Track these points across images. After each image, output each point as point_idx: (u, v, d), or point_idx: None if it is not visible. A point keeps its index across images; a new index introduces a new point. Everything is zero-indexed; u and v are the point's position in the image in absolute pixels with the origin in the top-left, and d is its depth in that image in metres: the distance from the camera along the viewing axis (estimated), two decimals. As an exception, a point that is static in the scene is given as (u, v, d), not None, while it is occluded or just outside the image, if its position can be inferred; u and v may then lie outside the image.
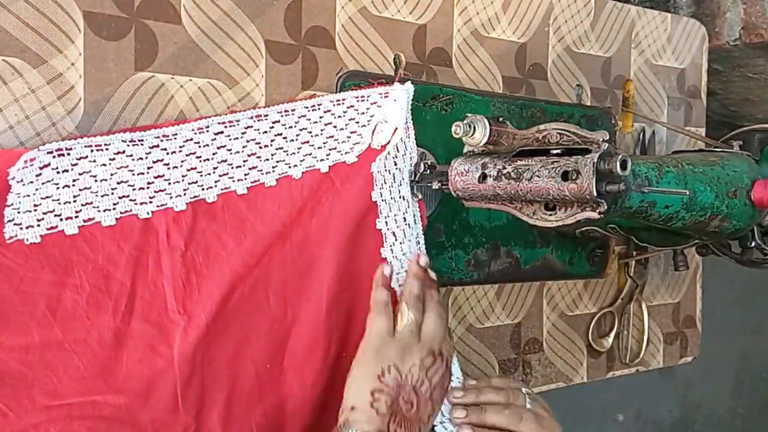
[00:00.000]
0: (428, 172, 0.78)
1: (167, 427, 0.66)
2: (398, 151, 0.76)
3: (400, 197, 0.77)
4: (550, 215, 0.67)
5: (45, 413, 0.62)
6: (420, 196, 0.79)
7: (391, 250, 0.76)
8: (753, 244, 0.89)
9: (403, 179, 0.77)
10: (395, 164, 0.76)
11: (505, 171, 0.68)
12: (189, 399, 0.66)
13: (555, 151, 0.67)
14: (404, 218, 0.77)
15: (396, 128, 0.74)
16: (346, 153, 0.74)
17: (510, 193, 0.68)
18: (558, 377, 0.97)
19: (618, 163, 0.61)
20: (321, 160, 0.73)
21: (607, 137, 0.63)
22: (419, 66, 0.82)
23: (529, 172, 0.66)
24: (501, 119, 0.69)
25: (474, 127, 0.68)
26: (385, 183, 0.76)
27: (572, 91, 0.97)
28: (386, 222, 0.76)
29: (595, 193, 0.62)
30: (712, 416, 2.37)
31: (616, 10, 1.02)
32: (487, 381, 0.81)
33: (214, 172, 0.69)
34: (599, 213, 0.63)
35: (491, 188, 0.69)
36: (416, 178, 0.79)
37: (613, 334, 1.02)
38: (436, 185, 0.77)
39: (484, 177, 0.70)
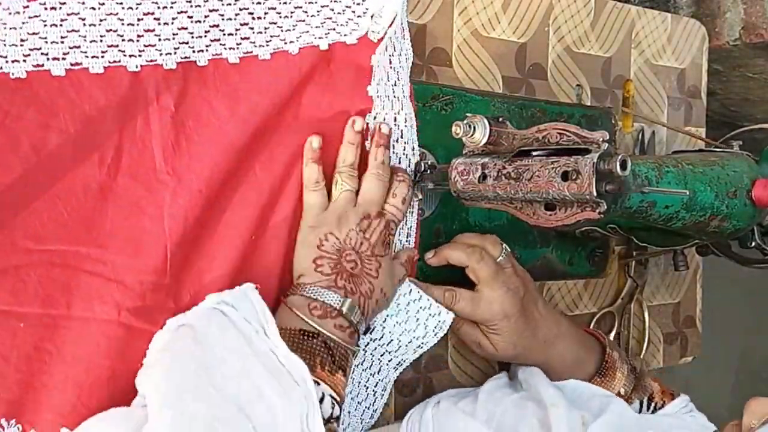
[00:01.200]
0: (428, 172, 0.78)
1: (154, 291, 0.65)
2: (394, 50, 0.76)
3: (394, 97, 0.77)
4: (550, 215, 0.67)
5: (26, 256, 0.61)
6: (420, 196, 0.79)
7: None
8: (753, 244, 0.89)
9: (397, 80, 0.77)
10: (390, 62, 0.76)
11: (505, 171, 0.68)
12: (176, 264, 0.66)
13: (555, 152, 0.67)
14: (394, 118, 0.77)
15: (392, 20, 0.73)
16: (345, 35, 0.74)
17: (510, 193, 0.68)
18: (558, 377, 0.97)
19: (618, 163, 0.61)
20: (319, 38, 0.73)
21: (607, 137, 0.63)
22: (419, 66, 0.82)
23: (529, 172, 0.66)
24: (501, 119, 0.69)
25: (474, 127, 0.68)
26: (382, 79, 0.76)
27: (572, 91, 0.97)
28: (375, 118, 0.76)
29: (595, 193, 0.62)
30: (712, 416, 2.36)
31: (616, 10, 1.02)
32: (463, 236, 0.82)
33: (205, 36, 0.68)
34: (599, 213, 0.63)
35: (491, 188, 0.69)
36: (416, 178, 0.79)
37: (613, 334, 1.02)
38: (436, 185, 0.77)
39: (484, 177, 0.70)
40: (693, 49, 1.12)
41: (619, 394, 0.82)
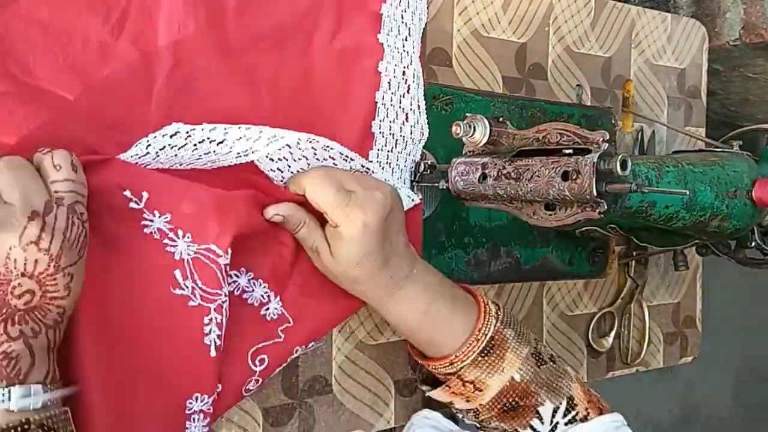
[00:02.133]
0: (428, 172, 0.78)
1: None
2: (408, 6, 0.78)
3: (404, 50, 0.77)
4: (550, 215, 0.67)
5: (13, 84, 0.59)
6: (420, 196, 0.79)
7: (383, 96, 0.77)
8: (753, 244, 0.90)
9: (408, 35, 0.78)
10: (402, 17, 0.77)
11: (505, 171, 0.68)
12: None
13: (555, 151, 0.67)
14: (403, 72, 0.77)
15: None
16: None
17: (510, 193, 0.68)
18: (558, 377, 0.97)
19: (618, 163, 0.61)
20: None
21: (607, 137, 0.63)
22: (419, 66, 0.82)
23: (529, 172, 0.66)
24: (501, 119, 0.69)
25: (474, 127, 0.68)
26: (392, 30, 0.76)
27: (572, 91, 0.97)
28: (386, 68, 0.76)
29: (595, 193, 0.62)
30: (712, 416, 2.37)
31: (616, 10, 1.02)
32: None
33: None
34: (599, 213, 0.63)
35: (491, 188, 0.69)
36: (416, 178, 0.79)
37: (613, 334, 1.02)
38: (436, 185, 0.77)
39: (484, 177, 0.70)
40: (693, 49, 1.12)
41: (512, 380, 0.70)
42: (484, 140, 0.67)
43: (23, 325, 0.51)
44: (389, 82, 0.77)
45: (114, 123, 0.63)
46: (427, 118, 0.81)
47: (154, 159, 0.63)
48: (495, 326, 0.71)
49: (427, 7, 0.83)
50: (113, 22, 0.63)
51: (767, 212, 0.86)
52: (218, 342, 0.64)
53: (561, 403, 0.72)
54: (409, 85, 0.78)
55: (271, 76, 0.71)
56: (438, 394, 0.74)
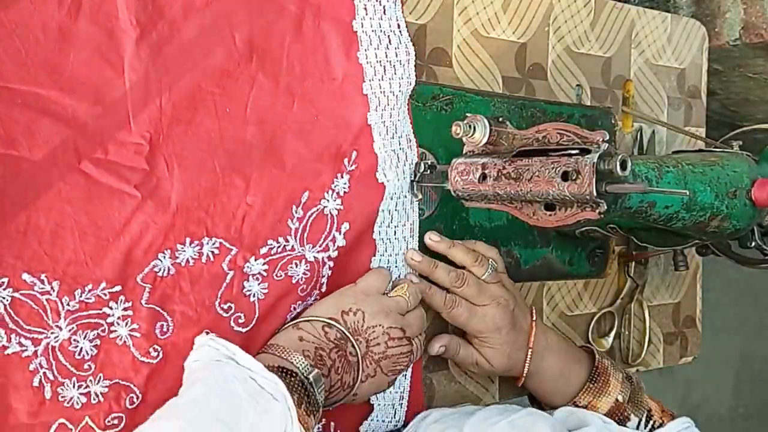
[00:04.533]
0: (428, 172, 0.78)
1: (117, 145, 0.64)
2: None
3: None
4: (550, 215, 0.67)
5: None
6: (420, 196, 0.79)
7: (362, 24, 0.76)
8: (753, 244, 0.89)
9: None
10: None
11: (505, 171, 0.68)
12: (141, 121, 0.65)
13: (555, 151, 0.67)
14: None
15: None
16: None
17: (510, 193, 0.68)
18: (558, 377, 0.97)
19: (618, 163, 0.61)
20: None
21: (607, 137, 0.63)
22: (419, 66, 0.82)
23: (529, 172, 0.66)
24: (501, 119, 0.69)
25: (474, 127, 0.68)
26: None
27: (572, 91, 0.97)
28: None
29: (595, 193, 0.62)
30: (712, 416, 2.37)
31: (616, 10, 1.02)
32: (469, 242, 0.83)
33: None
34: (599, 213, 0.63)
35: (491, 188, 0.69)
36: (416, 178, 0.79)
37: (613, 334, 1.02)
38: (436, 185, 0.77)
39: (484, 177, 0.70)
40: (693, 49, 1.12)
41: (617, 402, 0.81)
42: (484, 140, 0.67)
43: (337, 360, 0.68)
44: (365, 8, 0.76)
45: (91, 106, 0.62)
46: (427, 117, 0.81)
47: None
48: (598, 359, 0.84)
49: (427, 8, 0.83)
50: (68, 3, 0.62)
51: (767, 212, 0.86)
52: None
53: (643, 416, 0.82)
54: (384, 6, 0.76)
55: (244, 20, 0.69)
56: None
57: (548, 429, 0.69)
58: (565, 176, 0.63)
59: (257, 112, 0.70)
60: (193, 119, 0.67)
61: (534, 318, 0.83)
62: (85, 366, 0.63)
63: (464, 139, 0.68)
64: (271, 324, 0.71)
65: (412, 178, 0.79)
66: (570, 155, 0.65)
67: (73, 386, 0.62)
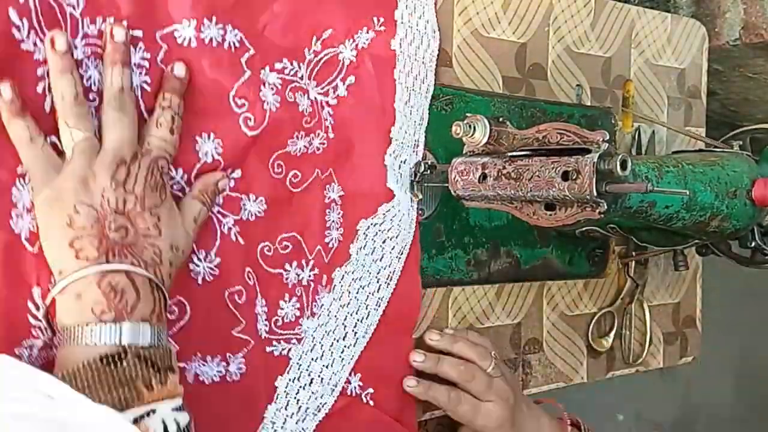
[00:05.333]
0: (428, 172, 0.78)
1: None
2: None
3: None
4: (550, 215, 0.67)
5: None
6: (420, 196, 0.79)
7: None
8: (753, 244, 0.90)
9: None
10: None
11: (505, 171, 0.68)
12: None
13: (555, 151, 0.67)
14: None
15: None
16: None
17: (510, 193, 0.68)
18: (558, 377, 0.97)
19: (618, 163, 0.61)
20: None
21: (607, 137, 0.63)
22: (419, 66, 0.82)
23: (529, 172, 0.66)
24: (501, 119, 0.69)
25: (474, 127, 0.68)
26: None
27: (572, 91, 0.97)
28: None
29: (595, 193, 0.62)
30: (712, 416, 2.37)
31: (616, 10, 1.02)
32: (464, 332, 0.83)
33: None
34: (599, 213, 0.63)
35: (491, 188, 0.69)
36: (416, 178, 0.79)
37: (613, 334, 1.02)
38: (436, 185, 0.77)
39: (484, 177, 0.70)
40: (693, 49, 1.12)
41: None
42: (484, 140, 0.67)
43: (123, 258, 0.55)
44: None
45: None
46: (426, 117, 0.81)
47: None
48: None
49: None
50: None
51: (767, 212, 0.86)
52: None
53: None
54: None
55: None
56: None
57: None
58: (565, 176, 0.64)
59: None
60: None
61: (527, 405, 0.84)
62: (90, 96, 0.60)
63: (464, 139, 0.68)
64: (270, 140, 0.70)
65: (412, 178, 0.79)
66: (570, 155, 0.65)
67: None
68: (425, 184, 0.79)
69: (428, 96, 0.81)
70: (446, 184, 0.74)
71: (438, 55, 0.82)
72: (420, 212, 0.81)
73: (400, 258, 0.79)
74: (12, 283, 0.56)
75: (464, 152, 0.73)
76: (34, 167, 0.56)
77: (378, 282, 0.78)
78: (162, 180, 0.60)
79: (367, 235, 0.77)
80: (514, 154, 0.69)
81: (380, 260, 0.78)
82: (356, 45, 0.76)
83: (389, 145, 0.78)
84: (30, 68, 0.57)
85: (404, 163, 0.79)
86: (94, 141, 0.57)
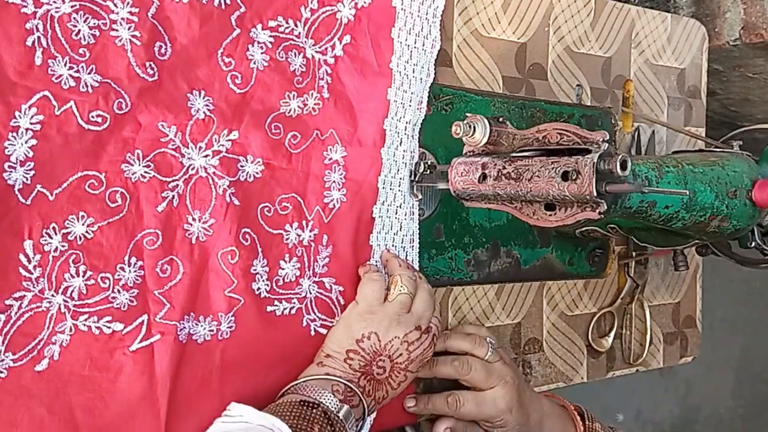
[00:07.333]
0: (428, 172, 0.78)
1: None
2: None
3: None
4: (550, 215, 0.67)
5: None
6: (420, 196, 0.79)
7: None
8: (753, 244, 0.89)
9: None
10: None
11: (505, 171, 0.68)
12: None
13: (555, 151, 0.67)
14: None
15: None
16: None
17: (510, 193, 0.68)
18: (558, 377, 0.97)
19: (618, 163, 0.61)
20: None
21: (607, 137, 0.63)
22: (419, 66, 0.82)
23: (529, 172, 0.66)
24: (501, 119, 0.69)
25: (474, 127, 0.68)
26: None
27: (572, 91, 0.97)
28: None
29: (595, 193, 0.62)
30: (712, 416, 2.37)
31: (616, 10, 1.02)
32: (460, 328, 0.84)
33: None
34: (599, 213, 0.63)
35: (491, 188, 0.69)
36: (416, 178, 0.79)
37: (613, 334, 1.02)
38: (436, 185, 0.77)
39: (484, 177, 0.70)
40: (693, 49, 1.12)
41: None
42: (484, 140, 0.67)
43: (365, 385, 0.70)
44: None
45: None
46: (427, 117, 0.81)
47: None
48: (587, 425, 0.86)
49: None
50: None
51: (767, 212, 0.86)
52: None
53: None
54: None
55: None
56: None
57: None
58: (565, 176, 0.63)
59: None
60: None
61: (529, 390, 0.83)
62: (80, 51, 0.62)
63: (464, 139, 0.68)
64: (260, 99, 0.71)
65: (412, 178, 0.79)
66: (570, 155, 0.65)
67: (65, 65, 0.61)
68: (425, 184, 0.79)
69: (434, 52, 0.81)
70: (446, 185, 0.74)
71: (441, 15, 0.82)
72: (420, 212, 0.81)
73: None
74: (3, 235, 0.58)
75: (464, 152, 0.73)
76: (369, 290, 0.73)
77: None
78: (429, 354, 0.75)
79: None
80: (514, 154, 0.69)
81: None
82: (355, 3, 0.76)
83: (388, 107, 0.78)
84: (18, 22, 0.58)
85: (408, 123, 0.79)
86: (410, 300, 0.73)
